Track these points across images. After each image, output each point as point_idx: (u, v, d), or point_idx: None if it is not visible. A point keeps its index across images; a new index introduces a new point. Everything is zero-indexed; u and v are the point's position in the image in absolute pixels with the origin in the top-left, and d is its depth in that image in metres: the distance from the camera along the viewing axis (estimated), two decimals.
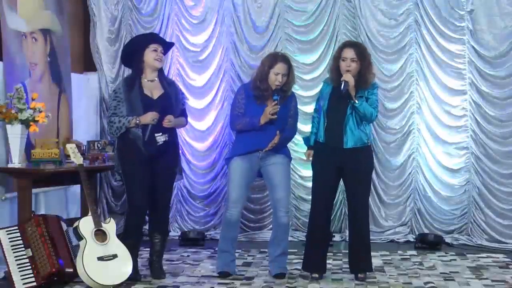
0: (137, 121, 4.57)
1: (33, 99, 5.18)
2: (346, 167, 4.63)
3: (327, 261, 4.87)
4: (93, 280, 4.32)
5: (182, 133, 6.50)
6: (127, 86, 4.67)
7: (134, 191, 4.64)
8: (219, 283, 4.68)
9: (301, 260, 4.92)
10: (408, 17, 6.35)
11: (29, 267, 4.48)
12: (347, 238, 5.18)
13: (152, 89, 4.71)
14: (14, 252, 4.53)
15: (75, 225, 4.54)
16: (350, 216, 4.77)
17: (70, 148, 4.79)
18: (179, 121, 4.80)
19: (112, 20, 6.68)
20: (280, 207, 4.76)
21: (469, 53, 6.21)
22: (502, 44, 6.11)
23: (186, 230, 6.52)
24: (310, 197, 4.92)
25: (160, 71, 4.82)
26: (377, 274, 4.91)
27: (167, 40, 6.31)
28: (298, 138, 5.74)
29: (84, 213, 5.30)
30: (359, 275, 4.73)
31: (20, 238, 4.59)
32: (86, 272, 4.32)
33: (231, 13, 6.60)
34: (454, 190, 6.30)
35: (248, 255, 5.66)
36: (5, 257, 4.51)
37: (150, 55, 4.69)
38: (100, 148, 5.82)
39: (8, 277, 4.51)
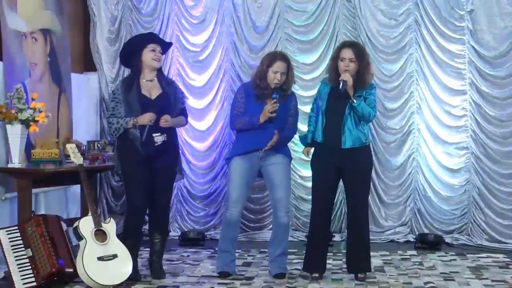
0: (135, 122, 4.57)
1: (33, 99, 5.18)
2: (345, 167, 4.64)
3: (327, 261, 4.87)
4: (93, 280, 4.32)
5: (182, 133, 6.51)
6: (125, 86, 4.67)
7: (133, 191, 4.64)
8: (219, 283, 4.68)
9: (301, 260, 4.93)
10: (408, 17, 6.35)
11: (29, 267, 4.48)
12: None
13: (151, 89, 4.71)
14: (14, 252, 4.53)
15: (75, 225, 4.54)
16: (350, 216, 4.77)
17: (70, 148, 4.79)
18: (178, 121, 4.79)
19: (112, 20, 6.68)
20: (280, 207, 4.76)
21: (469, 53, 6.21)
22: (502, 44, 6.11)
23: (186, 230, 6.52)
24: (310, 197, 4.93)
25: (159, 71, 4.82)
26: (377, 274, 4.91)
27: (167, 40, 6.35)
28: (298, 138, 5.74)
29: (84, 213, 5.30)
30: (359, 275, 4.73)
31: (20, 238, 4.59)
32: (86, 272, 4.32)
33: (231, 13, 6.60)
34: (454, 190, 6.30)
35: (248, 255, 5.66)
36: (5, 257, 4.51)
37: (148, 55, 4.69)
38: (100, 148, 5.82)
39: (8, 277, 4.51)
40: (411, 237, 6.31)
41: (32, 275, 4.46)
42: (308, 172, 5.82)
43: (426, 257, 5.59)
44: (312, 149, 4.81)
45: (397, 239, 6.33)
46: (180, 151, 5.30)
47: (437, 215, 6.32)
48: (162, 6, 6.67)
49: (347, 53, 4.63)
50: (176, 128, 4.89)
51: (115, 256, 4.46)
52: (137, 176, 4.62)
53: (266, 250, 5.09)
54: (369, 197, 5.20)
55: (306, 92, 6.40)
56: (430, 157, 6.36)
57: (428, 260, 5.45)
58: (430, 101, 6.34)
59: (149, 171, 4.66)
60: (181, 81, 6.61)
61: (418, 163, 6.39)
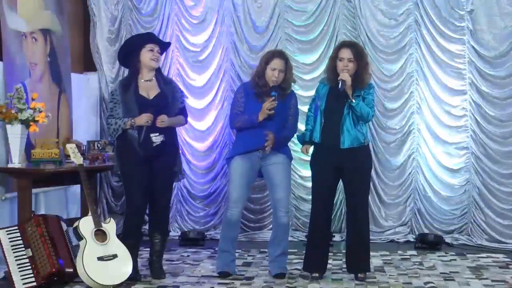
0: (132, 123, 4.57)
1: (33, 99, 5.18)
2: (344, 167, 4.64)
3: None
4: (93, 280, 4.32)
5: (182, 133, 6.51)
6: (123, 87, 4.68)
7: (133, 192, 4.64)
8: (219, 283, 4.68)
9: (301, 260, 4.93)
10: (408, 17, 6.35)
11: (29, 267, 4.48)
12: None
13: (149, 89, 4.71)
14: (14, 252, 4.52)
15: (75, 225, 4.54)
16: (350, 216, 4.77)
17: (70, 148, 4.79)
18: (176, 120, 4.78)
19: (112, 20, 6.68)
20: (280, 207, 4.76)
21: (469, 53, 6.21)
22: (502, 44, 6.11)
23: (186, 230, 6.51)
24: (310, 197, 4.93)
25: (158, 71, 4.81)
26: (377, 274, 4.91)
27: (167, 40, 6.36)
28: (296, 137, 5.74)
29: (84, 213, 5.30)
30: (359, 275, 4.73)
31: (20, 238, 4.59)
32: (86, 272, 4.32)
33: (231, 13, 6.61)
34: (454, 190, 6.30)
35: (248, 255, 5.66)
36: (5, 257, 4.51)
37: (147, 55, 4.69)
38: (100, 148, 5.82)
39: (8, 277, 4.51)
40: (411, 237, 6.31)
41: (32, 275, 4.46)
42: (308, 172, 5.82)
43: (426, 257, 5.59)
44: (311, 148, 4.82)
45: (397, 239, 6.33)
46: (180, 151, 5.29)
47: (437, 215, 6.32)
48: (162, 6, 6.67)
49: (346, 53, 4.64)
50: (176, 128, 4.89)
51: (115, 256, 4.46)
52: (136, 176, 4.62)
53: (266, 250, 5.09)
54: (369, 197, 5.20)
55: (306, 92, 6.39)
56: (430, 157, 6.36)
57: (428, 260, 5.45)
58: (430, 101, 6.34)
59: (149, 171, 4.66)
60: (181, 81, 6.61)
61: (418, 163, 6.39)
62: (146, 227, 5.14)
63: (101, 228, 4.53)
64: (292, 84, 4.89)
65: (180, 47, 6.69)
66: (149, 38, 4.82)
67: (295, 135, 4.98)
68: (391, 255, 5.67)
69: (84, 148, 5.79)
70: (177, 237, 6.33)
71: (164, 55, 5.57)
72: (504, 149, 6.14)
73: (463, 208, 6.27)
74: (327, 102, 4.67)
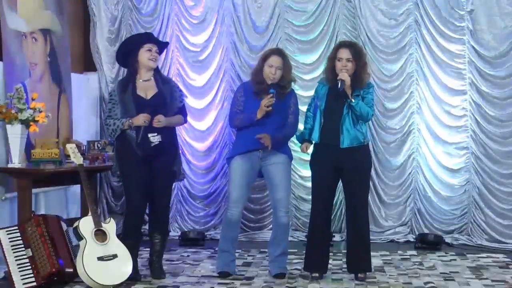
0: (130, 123, 4.57)
1: (33, 99, 5.18)
2: (344, 166, 4.64)
3: None
4: (93, 280, 4.32)
5: (182, 133, 6.51)
6: (121, 87, 4.68)
7: (132, 192, 4.64)
8: (219, 283, 4.68)
9: (301, 260, 4.93)
10: (408, 17, 6.35)
11: (29, 267, 4.48)
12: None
13: (147, 89, 4.71)
14: (14, 252, 4.53)
15: (75, 225, 4.54)
16: (350, 216, 4.77)
17: (70, 148, 4.79)
18: (175, 120, 4.77)
19: (112, 20, 6.68)
20: (280, 207, 4.76)
21: (469, 53, 6.21)
22: (502, 44, 6.11)
23: (186, 230, 6.51)
24: (310, 197, 4.93)
25: (157, 71, 4.81)
26: (377, 274, 4.91)
27: (167, 40, 6.36)
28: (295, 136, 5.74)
29: (84, 213, 5.30)
30: (359, 275, 4.73)
31: (20, 238, 4.59)
32: (86, 272, 4.32)
33: (231, 13, 6.60)
34: (454, 190, 6.30)
35: (248, 255, 5.66)
36: (5, 257, 4.51)
37: (145, 54, 4.69)
38: (100, 148, 5.82)
39: (8, 277, 4.51)
40: (411, 237, 6.30)
41: (32, 275, 4.46)
42: (308, 172, 5.81)
43: (426, 257, 5.59)
44: (311, 146, 4.81)
45: (397, 239, 6.33)
46: (180, 151, 5.29)
47: (437, 215, 6.32)
48: (162, 6, 6.67)
49: (344, 53, 4.64)
50: (176, 128, 4.89)
51: (115, 256, 4.46)
52: (136, 176, 4.62)
53: (266, 250, 5.09)
54: (369, 197, 5.20)
55: (306, 92, 6.38)
56: (430, 157, 6.36)
57: (428, 260, 5.45)
58: (430, 101, 6.34)
59: (148, 171, 4.66)
60: (181, 81, 6.61)
61: (418, 163, 6.39)
62: (146, 227, 5.14)
63: (101, 228, 4.53)
64: (292, 83, 4.89)
65: (180, 47, 6.69)
66: (147, 38, 4.81)
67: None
68: (391, 255, 5.67)
69: (84, 148, 5.79)
70: (177, 237, 6.33)
71: (163, 55, 5.57)
72: (504, 149, 6.14)
73: (463, 208, 6.26)
74: (327, 102, 4.67)
